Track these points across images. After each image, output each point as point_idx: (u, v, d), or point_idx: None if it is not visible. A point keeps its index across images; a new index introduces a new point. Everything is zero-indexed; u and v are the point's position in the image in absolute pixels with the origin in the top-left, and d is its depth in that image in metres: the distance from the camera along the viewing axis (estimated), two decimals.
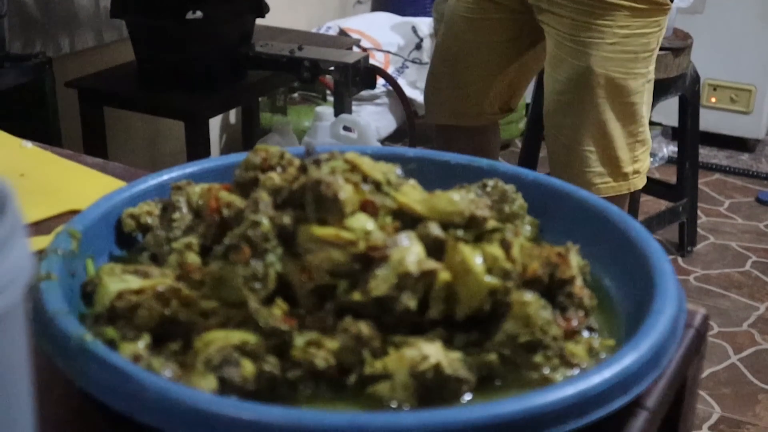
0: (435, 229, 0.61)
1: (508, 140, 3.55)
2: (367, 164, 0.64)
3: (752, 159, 3.60)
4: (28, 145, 1.01)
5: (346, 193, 0.60)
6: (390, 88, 3.24)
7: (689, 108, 2.71)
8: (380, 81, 3.02)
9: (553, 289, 0.62)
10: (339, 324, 0.57)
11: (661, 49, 2.35)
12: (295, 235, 0.60)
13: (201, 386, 0.53)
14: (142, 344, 0.56)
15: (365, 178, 0.63)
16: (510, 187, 0.72)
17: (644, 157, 1.93)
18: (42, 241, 0.68)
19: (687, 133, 2.75)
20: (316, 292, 0.59)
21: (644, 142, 1.91)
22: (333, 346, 0.56)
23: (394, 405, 0.54)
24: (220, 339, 0.55)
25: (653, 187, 2.92)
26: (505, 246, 0.61)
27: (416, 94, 3.40)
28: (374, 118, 3.20)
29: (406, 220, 0.63)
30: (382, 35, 3.43)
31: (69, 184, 0.91)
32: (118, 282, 0.60)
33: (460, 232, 0.62)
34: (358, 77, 2.38)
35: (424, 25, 3.51)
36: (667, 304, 0.59)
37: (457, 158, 0.79)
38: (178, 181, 0.71)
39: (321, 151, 0.66)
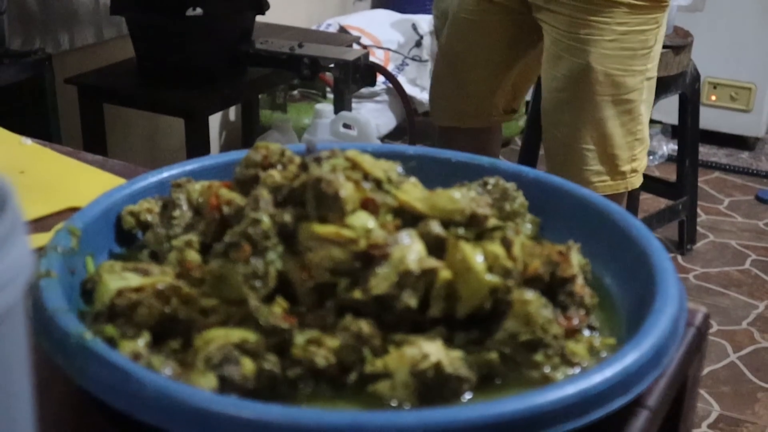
0: (436, 228, 0.61)
1: (508, 138, 3.55)
2: (367, 162, 0.64)
3: (752, 157, 3.60)
4: (28, 142, 1.01)
5: (346, 190, 0.60)
6: (390, 85, 3.25)
7: (689, 106, 2.71)
8: (380, 78, 3.02)
9: (554, 287, 0.62)
10: (339, 322, 0.57)
11: (662, 46, 2.36)
12: (296, 232, 0.60)
13: (201, 385, 0.53)
14: (141, 342, 0.56)
15: (366, 176, 0.63)
16: (511, 185, 0.72)
17: (642, 156, 1.92)
18: (41, 239, 0.68)
19: (687, 131, 2.75)
20: (316, 290, 0.59)
21: (642, 140, 1.91)
22: (333, 345, 0.56)
23: (394, 404, 0.54)
24: (220, 337, 0.55)
25: (653, 185, 2.92)
26: (506, 244, 0.61)
27: (416, 92, 3.40)
28: (374, 115, 3.20)
29: (407, 218, 0.62)
30: (382, 32, 3.43)
31: (68, 182, 0.91)
32: (118, 280, 0.59)
33: (461, 231, 0.62)
34: (358, 74, 2.38)
35: (424, 22, 3.50)
36: (668, 303, 0.59)
37: (457, 156, 0.79)
38: (178, 179, 0.71)
39: (322, 148, 0.66)
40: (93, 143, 2.30)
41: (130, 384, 0.51)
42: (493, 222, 0.63)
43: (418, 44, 3.47)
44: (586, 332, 0.61)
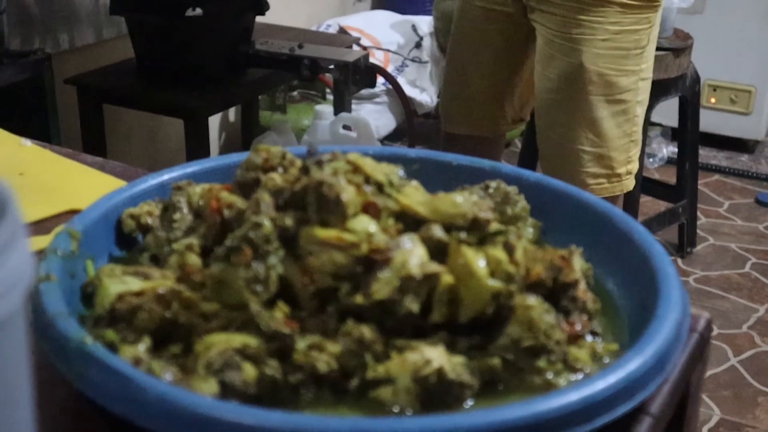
0: (438, 232, 0.61)
1: (508, 140, 3.54)
2: (369, 165, 0.64)
3: (752, 160, 3.60)
4: (27, 143, 1.00)
5: (348, 194, 0.60)
6: (390, 86, 3.24)
7: (689, 109, 2.71)
8: (380, 80, 3.02)
9: (556, 292, 0.61)
10: (341, 327, 0.57)
11: (661, 49, 2.36)
12: (297, 237, 0.59)
13: (202, 390, 0.52)
14: (142, 347, 0.56)
15: (367, 180, 0.63)
16: (512, 189, 0.72)
17: (636, 158, 1.92)
18: (41, 241, 0.68)
19: (687, 134, 2.75)
20: (318, 295, 0.58)
21: (637, 142, 1.90)
22: (335, 350, 0.56)
23: (396, 410, 0.54)
24: (221, 342, 0.55)
25: (653, 187, 2.92)
26: (509, 249, 0.61)
27: (416, 93, 3.40)
28: (374, 116, 3.19)
29: (409, 222, 0.62)
30: (382, 33, 3.43)
31: (68, 183, 0.91)
32: (119, 284, 0.59)
33: (463, 235, 0.61)
34: (357, 76, 2.38)
35: (424, 23, 3.50)
36: (671, 309, 0.59)
37: (459, 159, 0.79)
38: (178, 181, 0.71)
39: (323, 151, 0.65)
40: (92, 143, 2.30)
41: (131, 389, 0.50)
42: (495, 226, 0.63)
43: (418, 45, 3.47)
44: (589, 338, 0.61)
